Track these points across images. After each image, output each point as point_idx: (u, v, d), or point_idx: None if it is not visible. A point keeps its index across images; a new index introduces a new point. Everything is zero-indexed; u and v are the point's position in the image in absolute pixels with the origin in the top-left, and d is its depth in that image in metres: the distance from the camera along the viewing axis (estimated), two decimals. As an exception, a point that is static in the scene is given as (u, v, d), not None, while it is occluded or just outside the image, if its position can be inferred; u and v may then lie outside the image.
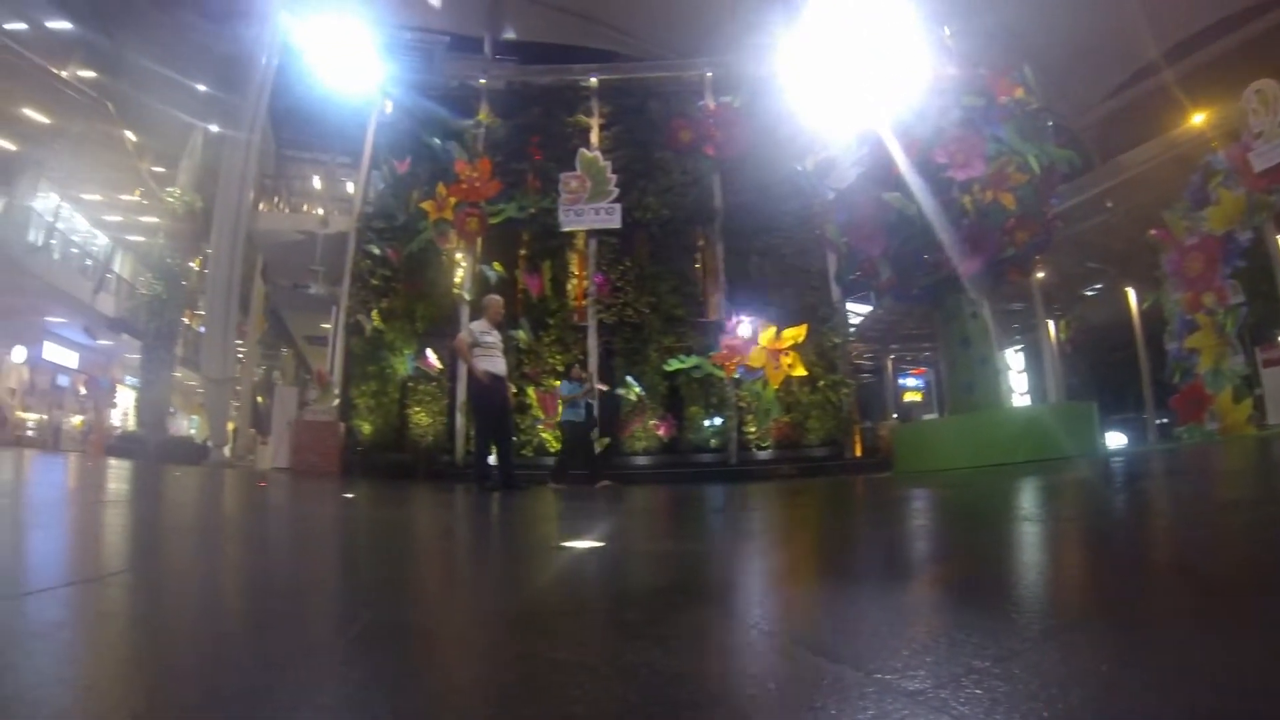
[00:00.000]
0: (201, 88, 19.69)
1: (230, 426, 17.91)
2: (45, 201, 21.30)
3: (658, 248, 15.91)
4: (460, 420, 14.85)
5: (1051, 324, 20.48)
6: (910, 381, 28.56)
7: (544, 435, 14.48)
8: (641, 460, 14.62)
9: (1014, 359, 23.30)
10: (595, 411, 11.97)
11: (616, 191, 15.66)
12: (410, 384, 15.22)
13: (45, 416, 25.02)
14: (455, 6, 17.66)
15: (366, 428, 15.00)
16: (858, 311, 18.56)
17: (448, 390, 15.22)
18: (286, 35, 15.79)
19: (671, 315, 15.30)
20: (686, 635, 1.65)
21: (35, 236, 20.03)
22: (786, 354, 13.52)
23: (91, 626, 1.74)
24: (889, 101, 9.55)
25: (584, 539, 3.77)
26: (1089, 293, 20.62)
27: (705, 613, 1.92)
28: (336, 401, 14.97)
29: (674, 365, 14.48)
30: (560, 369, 14.59)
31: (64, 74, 20.23)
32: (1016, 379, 22.89)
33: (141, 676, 1.36)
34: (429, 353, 15.00)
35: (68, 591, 2.15)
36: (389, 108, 16.91)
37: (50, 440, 23.87)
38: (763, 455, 14.51)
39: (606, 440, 14.28)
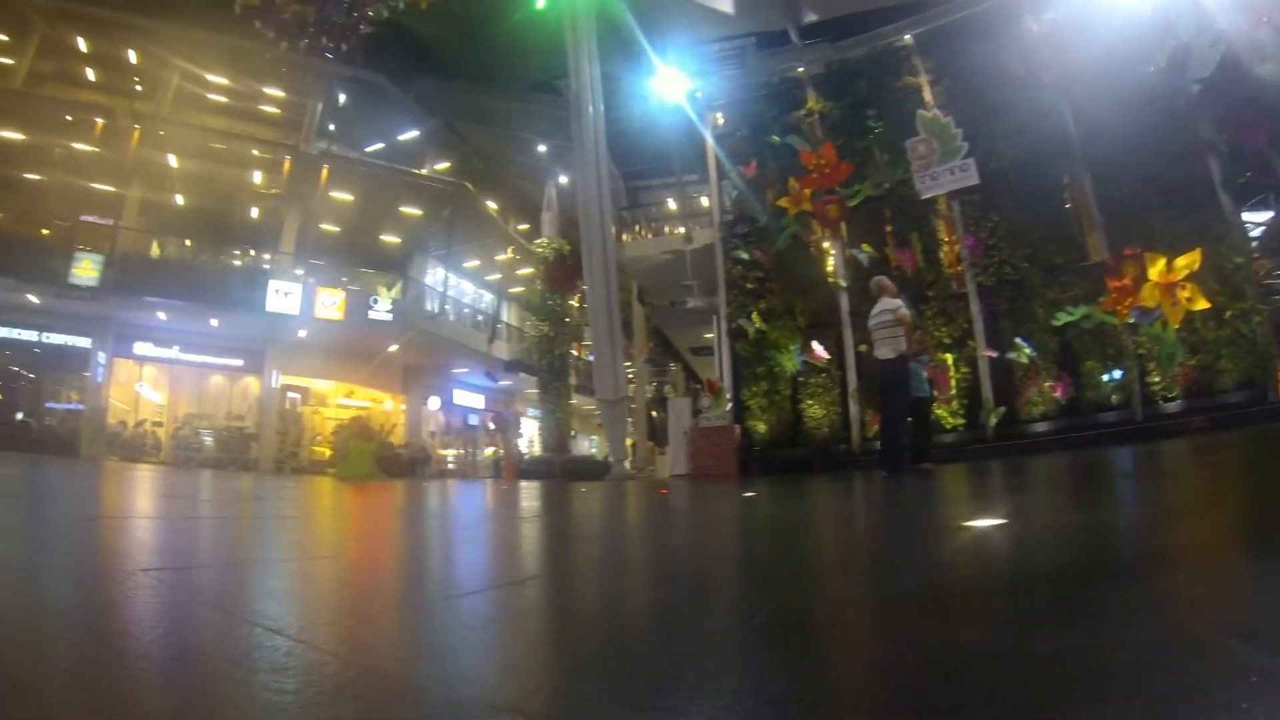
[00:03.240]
0: (542, 147, 24.46)
1: (629, 442, 21.42)
2: (434, 276, 28.48)
3: (1021, 195, 15.76)
4: (854, 408, 16.54)
5: None
6: (1338, 295, 25.05)
7: (940, 412, 15.37)
8: (1040, 426, 14.86)
9: None
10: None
11: (966, 146, 15.88)
12: (800, 378, 17.17)
13: (462, 451, 31.84)
14: (751, 7, 19.04)
15: (761, 427, 17.20)
16: (1257, 221, 16.97)
17: (838, 380, 16.94)
18: (604, 80, 17.86)
19: (1051, 265, 15.23)
20: (1097, 619, 1.66)
21: (432, 306, 26.62)
22: (1182, 286, 12.73)
23: (514, 621, 2.16)
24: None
25: (987, 517, 3.99)
26: None
27: (1118, 594, 1.89)
28: (729, 406, 17.30)
29: (1063, 318, 14.51)
30: (948, 342, 15.80)
31: (424, 171, 26.27)
32: None
33: (560, 660, 1.71)
34: (815, 345, 16.81)
35: (493, 593, 2.64)
36: (720, 119, 19.34)
37: (469, 470, 30.76)
38: (1171, 408, 13.73)
39: (1003, 410, 15.02)
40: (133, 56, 25.34)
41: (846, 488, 9.02)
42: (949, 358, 15.78)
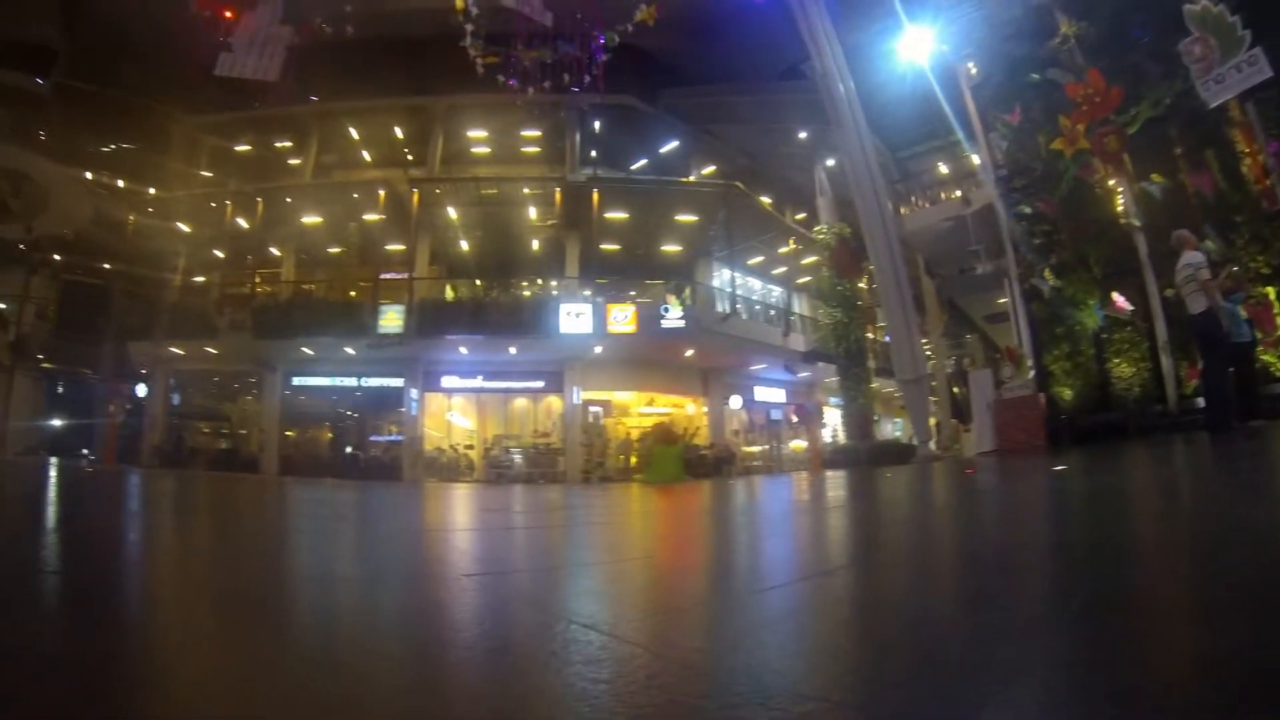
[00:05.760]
0: (803, 134, 27.48)
1: (932, 421, 22.79)
2: (720, 278, 32.11)
3: (1326, 79, 14.34)
4: (1166, 363, 16.44)
5: None
6: None
7: (1266, 358, 14.54)
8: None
9: None
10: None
11: (1248, 35, 14.65)
12: (1103, 335, 17.36)
13: (766, 447, 35.33)
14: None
15: (1066, 393, 17.48)
16: None
17: (1145, 332, 17.00)
18: (848, 53, 18.86)
19: (1383, 160, 13.86)
20: None
21: (722, 306, 29.84)
22: None
23: (821, 612, 2.41)
24: None
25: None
26: None
27: None
28: (1031, 373, 17.82)
29: None
30: (1267, 272, 14.97)
31: (691, 178, 29.59)
32: None
33: (866, 650, 1.91)
34: (1116, 296, 17.01)
35: (800, 585, 2.91)
36: (973, 69, 19.91)
37: (774, 465, 33.70)
38: None
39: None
40: (399, 132, 32.42)
41: (1166, 454, 9.21)
42: (1270, 291, 14.81)
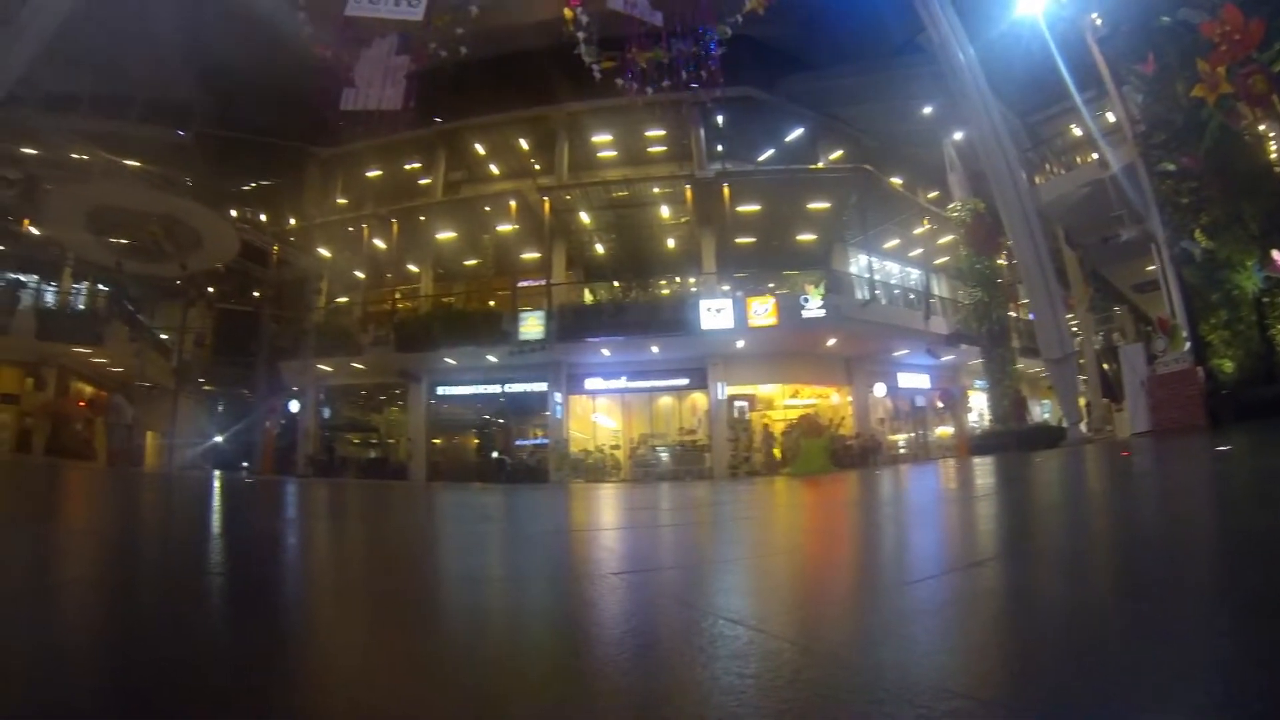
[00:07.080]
0: (927, 109, 27.33)
1: (1081, 401, 21.84)
2: (858, 263, 32.36)
3: None
4: None
5: None
6: None
7: None
8: None
9: None
10: None
11: None
12: (1265, 299, 16.04)
13: (912, 434, 34.63)
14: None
15: (1227, 365, 16.29)
16: None
17: None
18: (964, 18, 18.33)
19: None
20: None
21: (861, 293, 29.67)
22: None
23: (970, 605, 2.38)
24: None
25: None
26: None
27: None
28: (1187, 345, 16.82)
29: None
30: None
31: (820, 165, 30.33)
32: None
33: (1015, 645, 1.90)
34: (1276, 255, 15.70)
35: (948, 578, 2.92)
36: (1098, 19, 18.88)
37: (920, 453, 33.11)
38: None
39: None
40: (524, 143, 33.66)
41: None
42: None
